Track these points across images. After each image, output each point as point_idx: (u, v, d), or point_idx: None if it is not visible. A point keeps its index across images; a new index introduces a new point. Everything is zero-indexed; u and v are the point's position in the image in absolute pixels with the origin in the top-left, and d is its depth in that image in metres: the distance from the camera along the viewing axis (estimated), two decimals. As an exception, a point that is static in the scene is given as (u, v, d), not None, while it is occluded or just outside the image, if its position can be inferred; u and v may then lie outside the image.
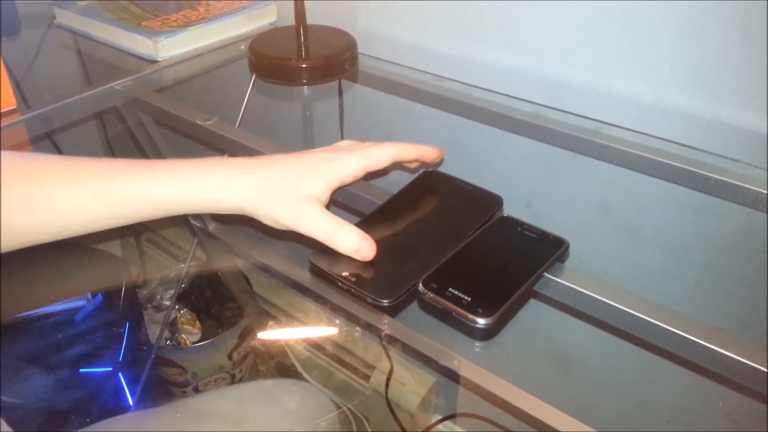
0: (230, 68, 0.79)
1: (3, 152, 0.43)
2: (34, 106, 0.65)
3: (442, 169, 0.54)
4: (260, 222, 0.44)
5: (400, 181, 0.52)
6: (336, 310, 0.51)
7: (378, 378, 0.97)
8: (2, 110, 0.64)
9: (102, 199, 0.42)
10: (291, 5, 0.71)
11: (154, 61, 0.76)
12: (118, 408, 0.88)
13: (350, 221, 0.47)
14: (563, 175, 0.67)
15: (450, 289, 0.41)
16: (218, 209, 0.44)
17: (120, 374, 0.92)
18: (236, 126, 0.68)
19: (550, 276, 0.43)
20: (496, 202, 0.49)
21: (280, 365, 1.15)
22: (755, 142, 0.56)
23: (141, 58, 0.77)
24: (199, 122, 0.62)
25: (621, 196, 0.65)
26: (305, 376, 1.14)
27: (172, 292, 1.24)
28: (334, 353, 1.10)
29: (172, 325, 1.19)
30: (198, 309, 1.22)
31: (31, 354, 0.86)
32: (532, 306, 0.45)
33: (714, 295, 0.63)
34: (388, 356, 0.96)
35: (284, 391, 0.73)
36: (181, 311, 1.21)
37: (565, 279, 0.43)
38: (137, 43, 0.77)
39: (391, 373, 0.95)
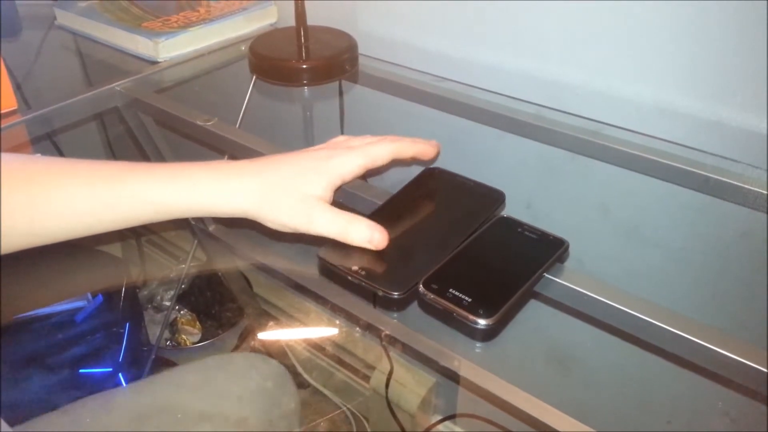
0: (231, 69, 0.79)
1: (3, 155, 0.43)
2: (34, 106, 0.65)
3: (441, 166, 0.54)
4: (261, 224, 0.44)
5: (399, 178, 0.52)
6: (336, 310, 0.51)
7: (378, 378, 0.97)
8: (3, 111, 0.65)
9: (102, 202, 0.42)
10: (291, 6, 0.71)
11: (154, 62, 0.76)
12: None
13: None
14: (563, 175, 0.67)
15: (450, 290, 0.41)
16: (220, 213, 0.44)
17: (120, 375, 0.92)
18: (237, 127, 0.68)
19: (550, 276, 0.43)
20: (498, 197, 0.50)
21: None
22: (755, 143, 0.56)
23: (141, 59, 0.77)
24: (199, 123, 0.62)
25: (621, 196, 0.65)
26: (305, 376, 1.14)
27: (172, 292, 1.24)
28: (335, 354, 1.10)
29: (173, 326, 1.19)
30: (198, 309, 1.22)
31: (31, 354, 0.86)
32: (532, 306, 0.45)
33: (714, 295, 0.63)
34: (388, 357, 0.96)
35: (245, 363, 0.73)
36: (181, 312, 1.21)
37: (565, 279, 0.43)
38: (138, 44, 0.77)
39: (391, 373, 0.95)
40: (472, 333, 0.40)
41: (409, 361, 0.97)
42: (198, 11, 0.84)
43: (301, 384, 1.14)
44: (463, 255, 0.44)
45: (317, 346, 1.13)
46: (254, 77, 0.73)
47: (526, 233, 0.46)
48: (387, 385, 0.95)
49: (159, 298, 1.24)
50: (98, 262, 0.95)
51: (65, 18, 0.87)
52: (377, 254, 0.44)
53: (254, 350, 1.15)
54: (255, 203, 0.43)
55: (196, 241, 0.93)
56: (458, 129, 0.70)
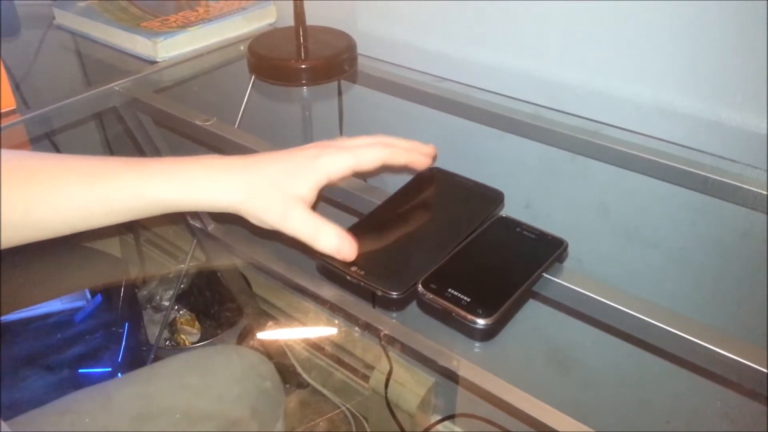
0: (229, 69, 0.79)
1: None
2: (33, 106, 0.65)
3: (441, 167, 0.54)
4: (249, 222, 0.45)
5: (399, 178, 0.52)
6: (335, 310, 0.51)
7: (377, 378, 0.97)
8: (2, 111, 0.64)
9: (95, 196, 0.43)
10: (290, 6, 0.71)
11: (153, 62, 0.76)
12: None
13: (350, 221, 0.47)
14: (562, 175, 0.67)
15: (449, 290, 0.41)
16: (208, 207, 0.44)
17: (119, 375, 0.92)
18: (235, 127, 0.68)
19: (549, 276, 0.43)
20: (497, 197, 0.50)
21: (279, 365, 1.15)
22: (755, 143, 0.56)
23: (140, 59, 0.77)
24: (198, 123, 0.62)
25: (620, 196, 0.65)
26: (304, 376, 1.14)
27: (171, 292, 1.24)
28: (334, 353, 1.10)
29: (172, 326, 1.19)
30: (197, 309, 1.22)
31: (30, 354, 0.86)
32: (531, 306, 0.45)
33: (713, 295, 0.63)
34: (388, 357, 0.96)
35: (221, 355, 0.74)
36: (181, 311, 1.21)
37: (564, 279, 0.43)
38: (137, 44, 0.77)
39: (390, 373, 0.95)
40: (471, 333, 0.40)
41: (409, 361, 0.97)
42: (197, 11, 0.84)
43: (300, 384, 1.14)
44: (462, 255, 0.44)
45: (316, 346, 1.12)
46: (253, 77, 0.73)
47: (525, 233, 0.46)
48: (386, 385, 0.95)
49: (158, 297, 1.24)
50: (97, 262, 0.95)
51: (64, 18, 0.87)
52: (376, 254, 0.44)
53: (254, 350, 1.15)
54: (240, 199, 0.43)
55: (195, 241, 0.93)
56: (458, 129, 0.70)
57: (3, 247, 0.43)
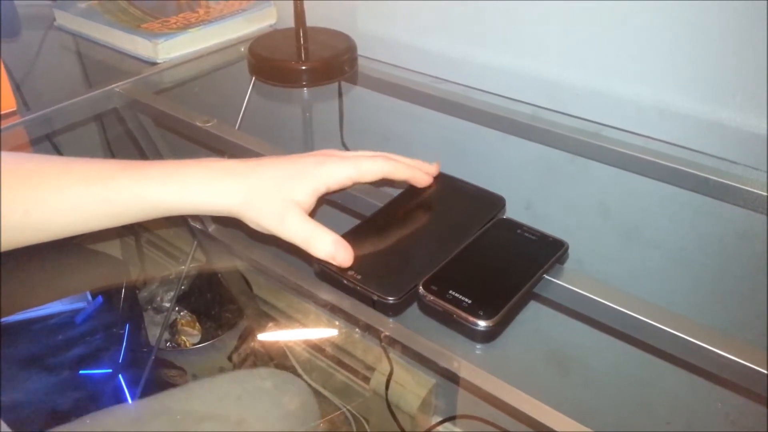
0: (230, 70, 0.79)
1: None
2: (34, 108, 0.65)
3: (441, 170, 0.54)
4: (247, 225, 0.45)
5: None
6: (336, 311, 0.51)
7: (378, 379, 0.97)
8: (2, 112, 0.65)
9: (95, 199, 0.43)
10: (290, 7, 0.71)
11: (153, 63, 0.76)
12: (117, 410, 0.88)
13: (351, 223, 0.47)
14: (563, 177, 0.67)
15: (450, 292, 0.41)
16: (207, 211, 0.44)
17: (120, 376, 0.92)
18: (236, 128, 0.68)
19: (549, 278, 0.43)
20: (498, 202, 0.50)
21: (279, 367, 1.15)
22: (755, 144, 0.56)
23: (141, 60, 0.77)
24: (198, 124, 0.62)
25: (620, 197, 0.65)
26: (305, 377, 1.14)
27: (172, 293, 1.24)
28: (334, 355, 1.10)
29: (172, 327, 1.19)
30: (198, 311, 1.22)
31: (31, 355, 0.86)
32: (532, 308, 0.45)
33: (713, 296, 0.63)
34: (388, 358, 0.96)
35: (269, 381, 0.74)
36: (181, 313, 1.21)
37: (565, 281, 0.43)
38: (137, 45, 0.77)
39: (391, 374, 0.95)
40: (472, 334, 0.40)
41: (409, 363, 0.97)
42: (197, 12, 0.84)
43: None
44: (463, 256, 0.44)
45: (317, 347, 1.12)
46: (253, 78, 0.73)
47: (526, 235, 0.46)
48: (387, 387, 0.95)
49: (159, 299, 1.24)
50: (98, 263, 0.95)
51: (64, 19, 0.87)
52: (374, 258, 0.44)
53: (254, 351, 1.15)
54: (238, 203, 0.43)
55: (195, 242, 0.92)
56: (457, 130, 0.70)
57: (3, 249, 0.43)
